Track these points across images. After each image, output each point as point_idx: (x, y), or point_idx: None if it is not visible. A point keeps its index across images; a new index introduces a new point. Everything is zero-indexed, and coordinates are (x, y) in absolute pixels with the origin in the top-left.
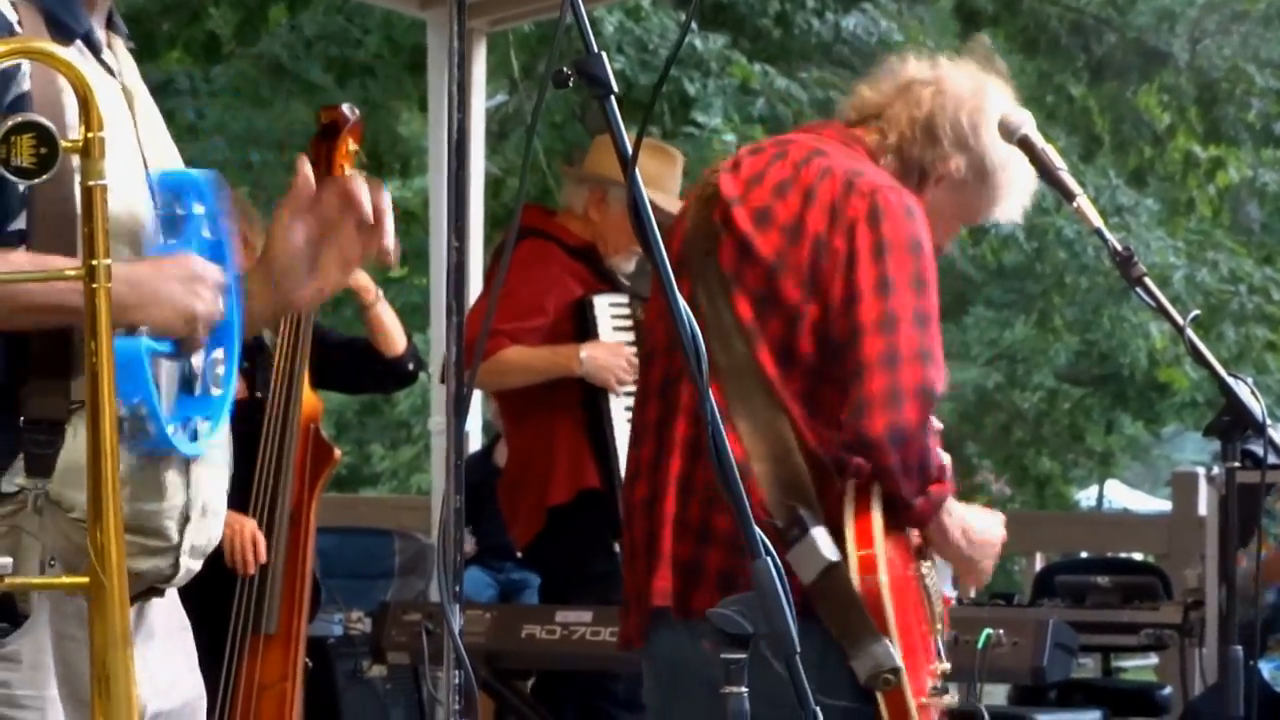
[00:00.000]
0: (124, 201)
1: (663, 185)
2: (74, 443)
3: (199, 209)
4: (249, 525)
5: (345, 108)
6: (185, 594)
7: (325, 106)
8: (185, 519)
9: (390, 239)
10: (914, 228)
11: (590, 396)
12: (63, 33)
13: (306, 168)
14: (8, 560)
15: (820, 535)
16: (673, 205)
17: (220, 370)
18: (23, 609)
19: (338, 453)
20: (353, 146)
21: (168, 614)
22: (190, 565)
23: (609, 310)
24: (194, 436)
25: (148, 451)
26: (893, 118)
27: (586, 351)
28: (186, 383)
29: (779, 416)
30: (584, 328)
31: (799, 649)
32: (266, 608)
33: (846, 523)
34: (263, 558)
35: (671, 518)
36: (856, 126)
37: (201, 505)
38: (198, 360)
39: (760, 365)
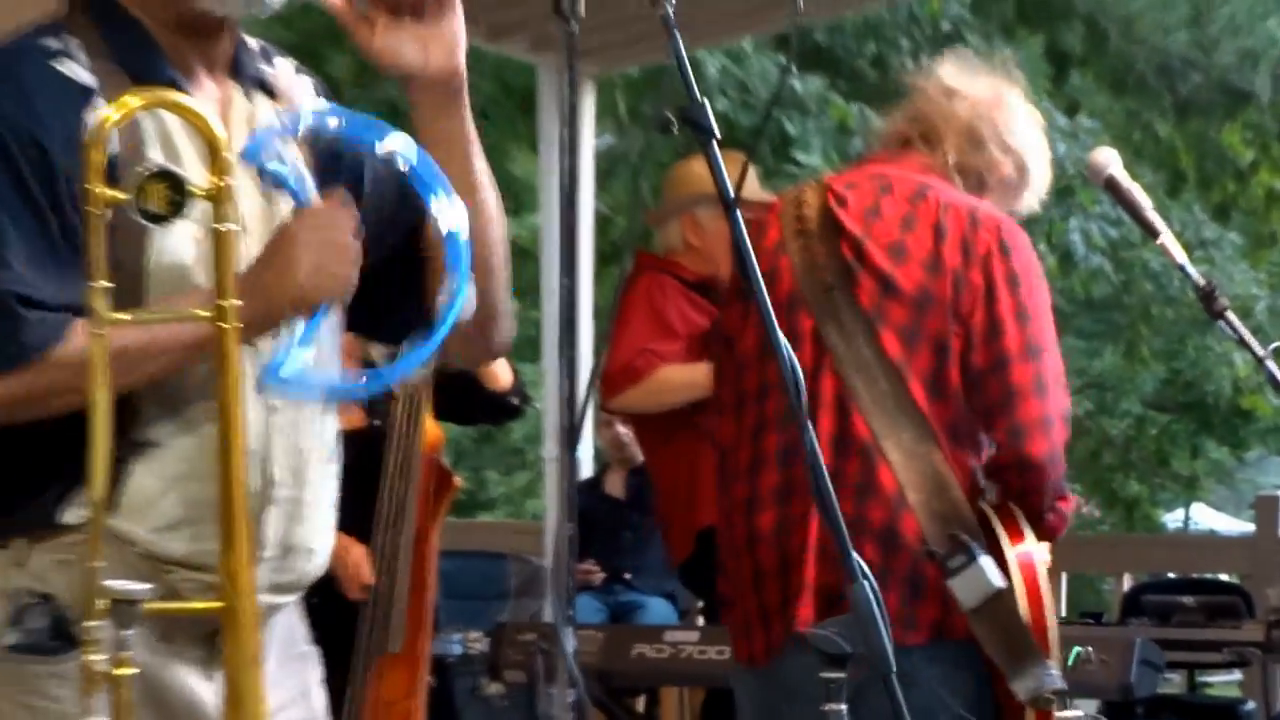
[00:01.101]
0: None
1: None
2: (135, 480)
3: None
4: (355, 551)
5: None
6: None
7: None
8: (257, 555)
9: None
10: (1034, 257)
11: None
12: (143, 85)
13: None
14: (148, 586)
15: (987, 563)
16: (759, 194)
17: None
18: (75, 632)
19: (458, 480)
20: None
21: (284, 643)
22: (272, 600)
23: None
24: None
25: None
26: (939, 138)
27: None
28: None
29: (932, 448)
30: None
31: (895, 668)
32: (392, 628)
33: (1007, 552)
34: (367, 580)
35: (814, 547)
36: (906, 151)
37: (280, 542)
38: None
39: (911, 398)
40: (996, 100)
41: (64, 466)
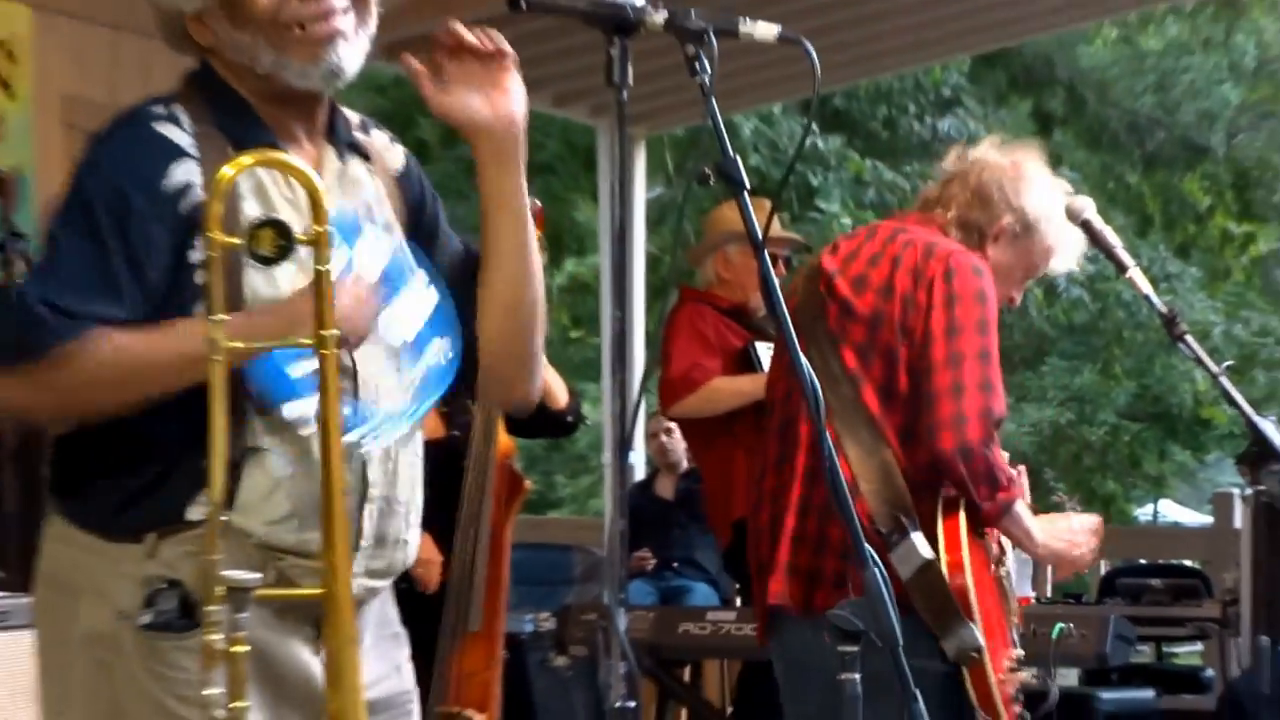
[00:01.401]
0: (281, 280)
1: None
2: (249, 480)
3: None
4: (426, 549)
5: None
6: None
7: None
8: (355, 548)
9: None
10: (980, 282)
11: (760, 420)
12: (240, 147)
13: (411, 62)
14: (259, 575)
15: (918, 539)
16: (781, 233)
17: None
18: (198, 612)
19: (528, 483)
20: (536, 232)
21: (378, 623)
22: (368, 584)
23: (766, 353)
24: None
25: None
26: (950, 198)
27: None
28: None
29: (882, 446)
30: (750, 368)
31: (901, 641)
32: (472, 610)
33: (938, 529)
34: (434, 583)
35: (790, 532)
36: (931, 214)
37: (374, 534)
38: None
39: (865, 404)
40: (1013, 167)
41: (187, 471)
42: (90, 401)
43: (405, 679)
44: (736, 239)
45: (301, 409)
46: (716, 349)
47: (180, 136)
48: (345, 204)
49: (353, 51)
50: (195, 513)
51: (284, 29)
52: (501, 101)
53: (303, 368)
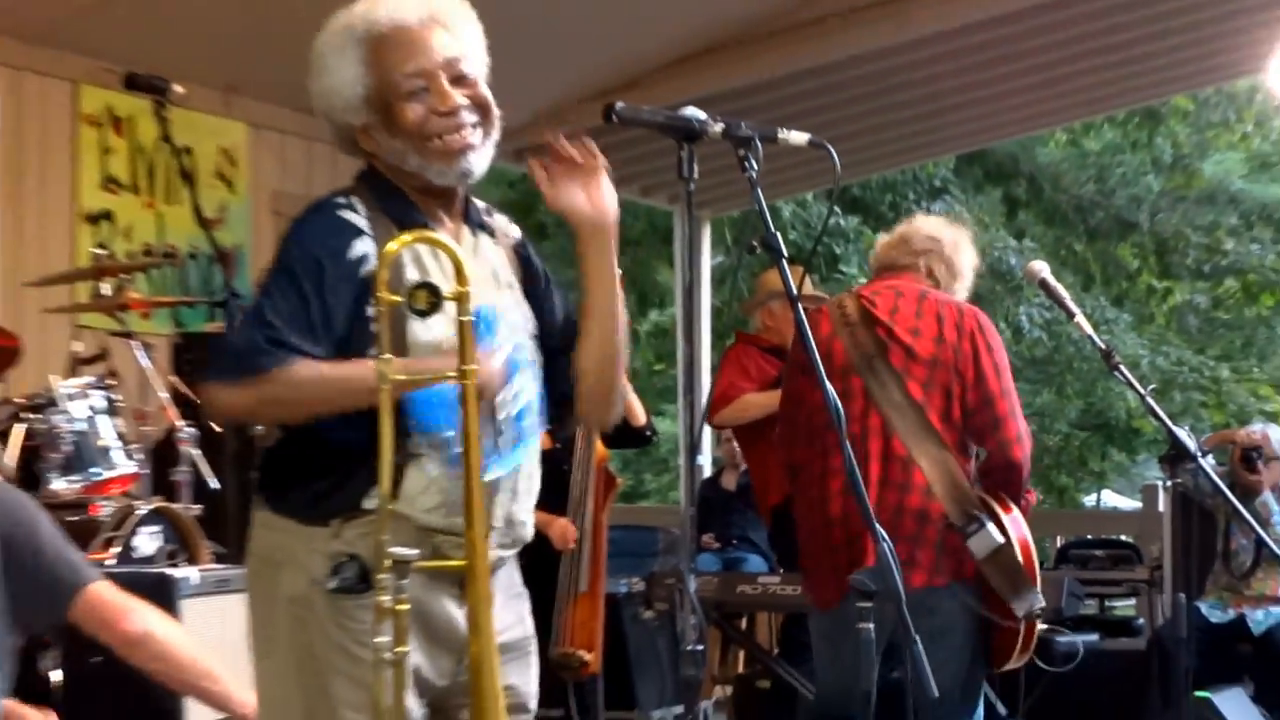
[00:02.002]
0: (434, 329)
1: (801, 287)
2: (410, 479)
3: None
4: (560, 522)
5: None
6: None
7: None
8: (489, 527)
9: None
10: (997, 333)
11: None
12: (401, 227)
13: (534, 165)
14: (416, 551)
15: (992, 528)
16: (812, 292)
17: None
18: (372, 579)
19: (620, 481)
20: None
21: (506, 585)
22: (500, 554)
23: None
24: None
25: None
26: (914, 261)
27: None
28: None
29: (948, 457)
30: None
31: (904, 597)
32: (581, 574)
33: (1003, 519)
34: (572, 539)
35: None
36: (905, 272)
37: (504, 518)
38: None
39: (932, 424)
40: (954, 241)
41: (363, 472)
42: (292, 412)
43: (527, 627)
44: (778, 296)
45: (449, 427)
46: (754, 376)
47: (358, 219)
48: (491, 298)
49: (480, 157)
50: (369, 503)
51: (426, 140)
52: (598, 199)
53: (451, 400)
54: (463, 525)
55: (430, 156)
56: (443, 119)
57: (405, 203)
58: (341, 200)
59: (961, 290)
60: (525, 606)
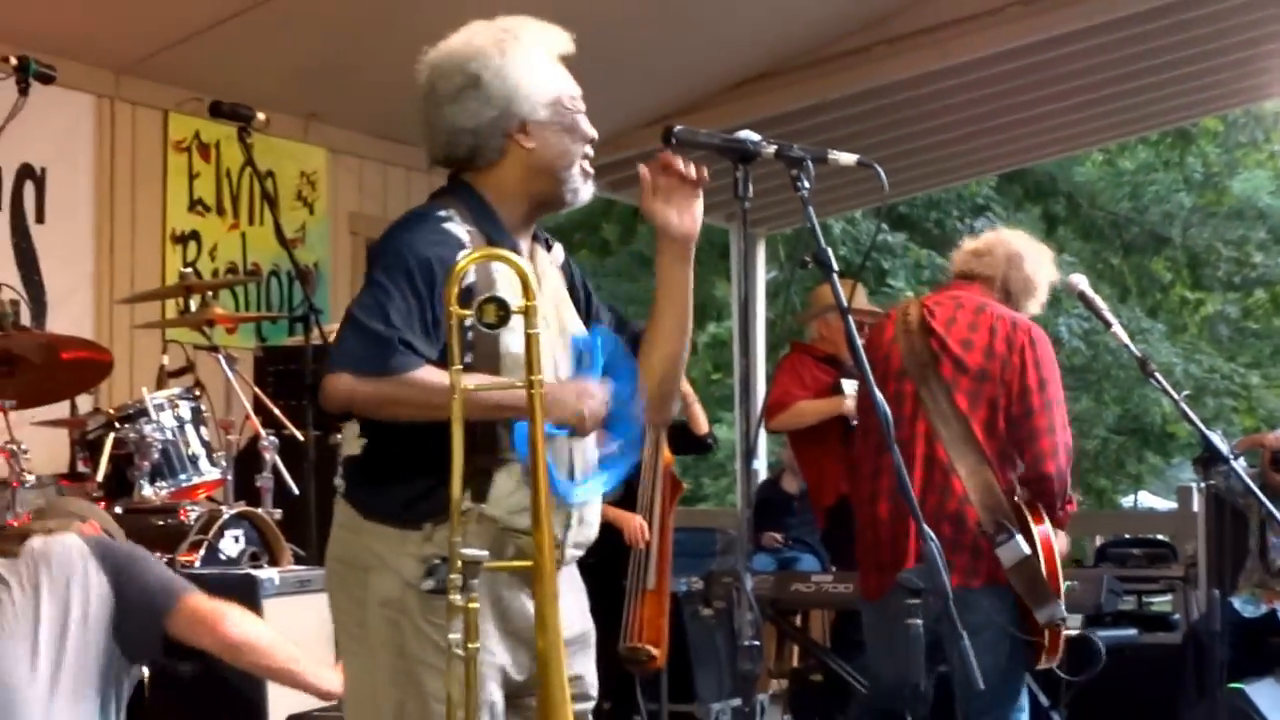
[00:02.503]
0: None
1: (855, 300)
2: (498, 482)
3: (598, 355)
4: (636, 519)
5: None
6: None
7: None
8: (566, 528)
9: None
10: (1049, 346)
11: (846, 433)
12: (490, 243)
13: (643, 170)
14: (484, 553)
15: (1020, 540)
16: (864, 305)
17: (608, 452)
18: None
19: (684, 485)
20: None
21: (568, 582)
22: (573, 554)
23: (850, 385)
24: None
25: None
26: (993, 275)
27: (849, 401)
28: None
29: (985, 468)
30: (836, 394)
31: (951, 596)
32: (649, 573)
33: (1033, 531)
34: (648, 536)
35: (914, 527)
36: (974, 281)
37: (579, 518)
38: (592, 447)
39: (975, 435)
40: (1036, 258)
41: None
42: (410, 414)
43: (587, 620)
44: (833, 309)
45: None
46: (808, 384)
47: (460, 233)
48: (572, 324)
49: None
50: (463, 505)
51: (579, 157)
52: (688, 218)
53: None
54: (552, 526)
55: (581, 171)
56: (587, 145)
57: (494, 219)
58: (443, 214)
59: (1034, 305)
60: (585, 601)
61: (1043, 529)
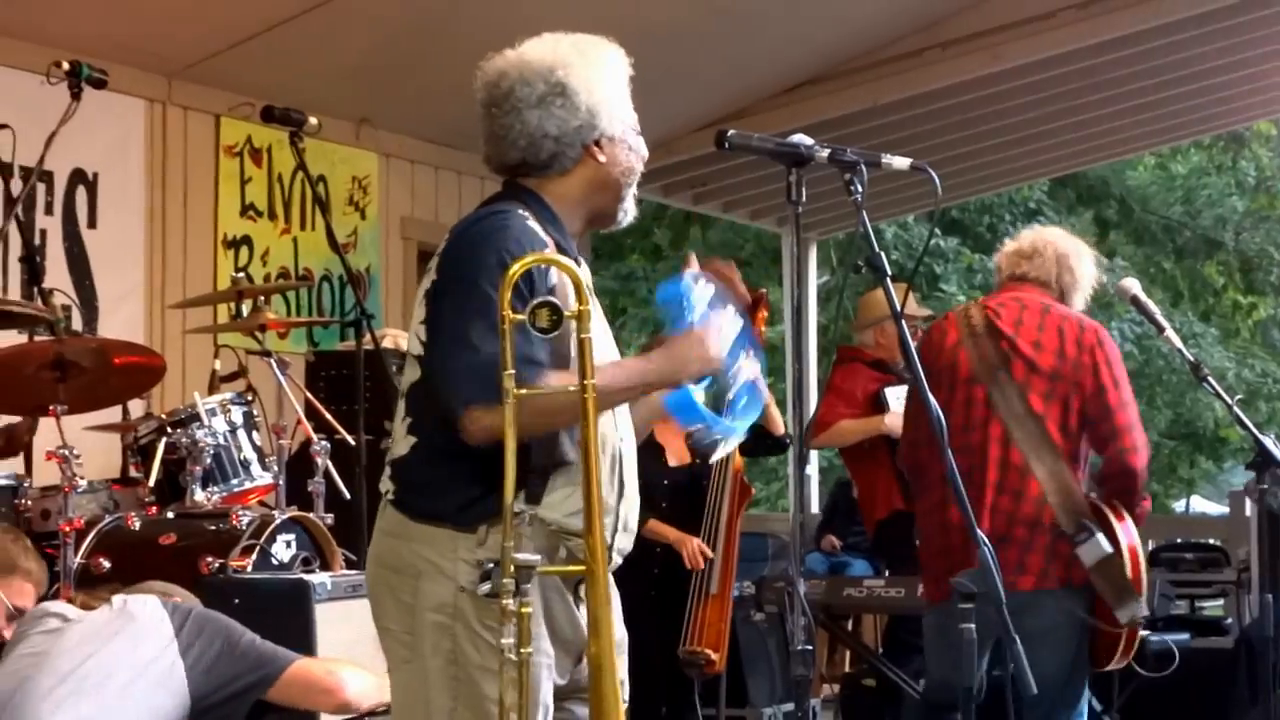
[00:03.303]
0: (596, 349)
1: (906, 305)
2: (555, 484)
3: (689, 298)
4: (695, 541)
5: (762, 290)
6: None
7: (753, 288)
8: (614, 533)
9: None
10: (1116, 347)
11: (895, 446)
12: (562, 253)
13: (693, 261)
14: (536, 557)
15: (1101, 538)
16: (916, 310)
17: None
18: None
19: (753, 490)
20: (765, 313)
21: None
22: (617, 559)
23: (893, 394)
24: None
25: (712, 441)
26: (1045, 275)
27: (888, 419)
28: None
29: (1062, 468)
30: (879, 406)
31: (1010, 596)
32: (714, 577)
33: (1115, 529)
34: (709, 554)
35: (987, 531)
36: (1030, 284)
37: (624, 523)
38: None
39: (1050, 435)
40: (1079, 254)
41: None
42: (551, 424)
43: (622, 628)
44: (888, 317)
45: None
46: (857, 398)
47: (540, 233)
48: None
49: None
50: (515, 507)
51: (634, 176)
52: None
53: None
54: (604, 530)
55: (628, 194)
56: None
57: (558, 224)
58: (523, 211)
59: (1082, 299)
60: (619, 609)
61: (1125, 526)
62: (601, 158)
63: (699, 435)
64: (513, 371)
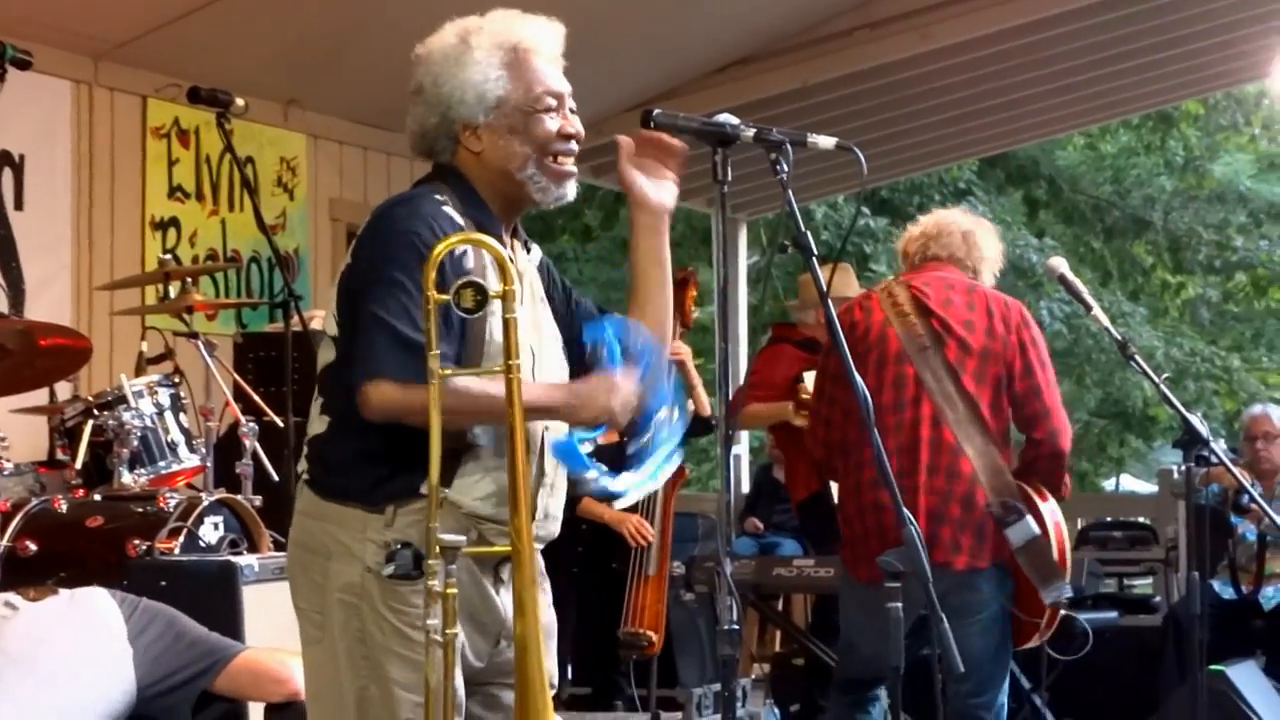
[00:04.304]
0: (522, 329)
1: (848, 285)
2: (466, 467)
3: (613, 345)
4: (633, 518)
5: (690, 269)
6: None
7: (680, 267)
8: (533, 520)
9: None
10: (1038, 327)
11: None
12: (480, 230)
13: (621, 139)
14: (463, 538)
15: (1030, 520)
16: (853, 288)
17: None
18: (425, 564)
19: (687, 470)
20: (694, 292)
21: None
22: (537, 548)
23: (810, 379)
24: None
25: (598, 493)
26: (958, 253)
27: (796, 418)
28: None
29: (993, 449)
30: (795, 391)
31: (944, 575)
32: (651, 559)
33: (1041, 510)
34: (649, 533)
35: (922, 510)
36: (944, 263)
37: (544, 511)
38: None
39: (983, 417)
40: (985, 230)
41: (419, 458)
42: (460, 419)
43: (551, 612)
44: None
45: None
46: (773, 382)
47: (458, 217)
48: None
49: (574, 187)
50: (425, 488)
51: (545, 155)
52: (663, 189)
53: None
54: (508, 514)
55: (545, 172)
56: (563, 142)
57: (485, 208)
58: (440, 197)
59: (991, 275)
60: (549, 591)
61: (1049, 507)
62: (477, 147)
63: (591, 486)
64: (437, 352)
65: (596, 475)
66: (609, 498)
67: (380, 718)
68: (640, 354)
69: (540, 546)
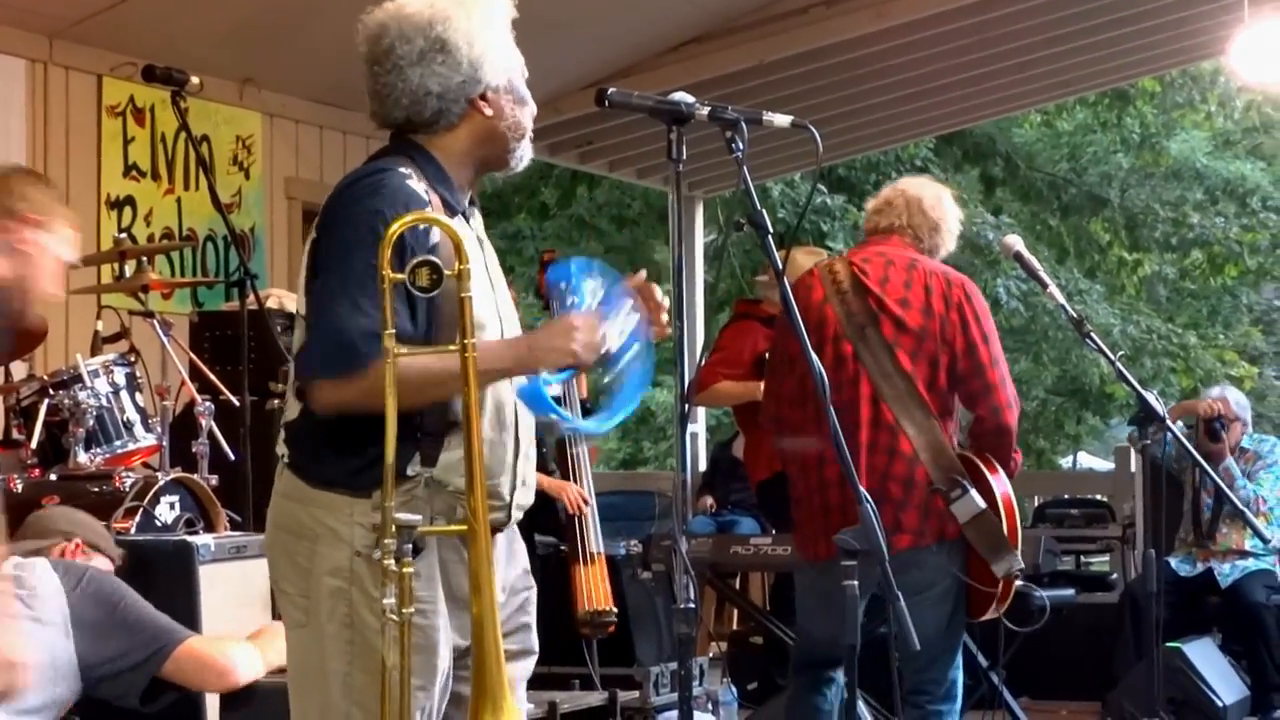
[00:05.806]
0: (480, 306)
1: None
2: (452, 445)
3: (578, 284)
4: (572, 487)
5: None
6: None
7: (548, 250)
8: (513, 489)
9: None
10: (984, 301)
11: None
12: (449, 209)
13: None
14: (418, 517)
15: (974, 494)
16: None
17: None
18: (419, 544)
19: (597, 448)
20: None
21: (508, 542)
22: (517, 515)
23: None
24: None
25: (567, 432)
26: (904, 225)
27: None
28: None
29: (933, 425)
30: (763, 369)
31: (888, 555)
32: (591, 536)
33: (990, 483)
34: (589, 500)
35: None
36: (892, 235)
37: (522, 479)
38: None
39: (920, 393)
40: (936, 197)
41: (410, 439)
42: (407, 401)
43: (530, 579)
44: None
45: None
46: (740, 358)
47: (421, 191)
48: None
49: None
50: (413, 469)
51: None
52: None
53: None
54: (500, 489)
55: (519, 140)
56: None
57: (448, 180)
58: (403, 169)
59: (946, 244)
60: (526, 563)
61: (998, 478)
62: (488, 111)
63: (561, 430)
64: (393, 330)
65: (560, 420)
66: (588, 436)
67: (366, 700)
68: (605, 292)
69: (520, 514)
